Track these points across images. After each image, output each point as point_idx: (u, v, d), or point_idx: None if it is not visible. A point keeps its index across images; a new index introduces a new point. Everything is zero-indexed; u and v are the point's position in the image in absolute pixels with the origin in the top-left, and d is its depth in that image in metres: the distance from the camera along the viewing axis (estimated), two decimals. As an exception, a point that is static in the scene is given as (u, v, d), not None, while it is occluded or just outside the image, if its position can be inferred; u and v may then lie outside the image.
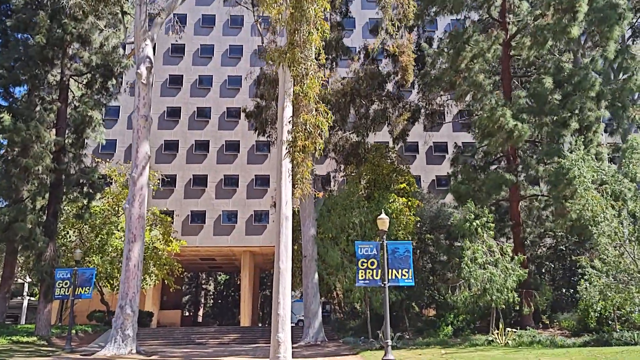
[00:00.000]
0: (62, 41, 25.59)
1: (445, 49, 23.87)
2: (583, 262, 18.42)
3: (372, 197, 26.24)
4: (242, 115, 31.75)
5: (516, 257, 20.52)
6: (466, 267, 19.71)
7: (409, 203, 25.80)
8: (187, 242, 35.80)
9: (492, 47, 21.55)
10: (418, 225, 26.73)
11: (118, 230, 29.06)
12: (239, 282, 50.66)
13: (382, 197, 25.54)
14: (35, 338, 22.92)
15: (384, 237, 15.23)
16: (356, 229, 24.36)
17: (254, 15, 26.94)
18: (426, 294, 27.12)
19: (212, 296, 68.03)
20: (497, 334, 19.41)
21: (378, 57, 29.44)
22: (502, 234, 26.04)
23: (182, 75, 42.27)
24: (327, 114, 10.04)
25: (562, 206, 22.03)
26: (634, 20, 28.68)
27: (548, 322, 24.29)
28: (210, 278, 65.32)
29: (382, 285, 14.95)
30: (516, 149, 24.77)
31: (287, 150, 10.31)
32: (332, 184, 32.31)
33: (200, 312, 63.80)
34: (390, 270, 14.94)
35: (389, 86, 28.10)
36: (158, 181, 34.92)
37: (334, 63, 26.51)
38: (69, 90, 27.20)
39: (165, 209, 35.41)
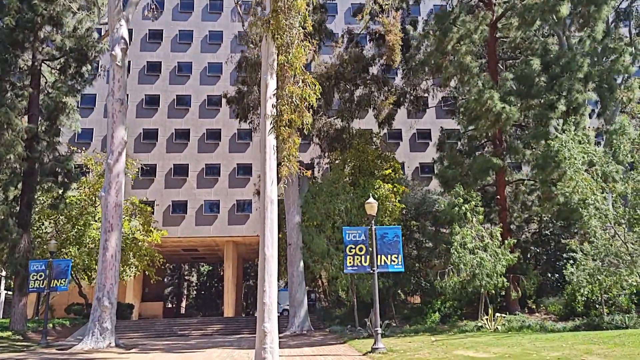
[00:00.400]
0: (33, 23, 24.54)
1: (431, 31, 23.34)
2: (573, 246, 18.22)
3: (357, 183, 25.80)
4: (224, 102, 30.94)
5: (506, 241, 20.23)
6: (455, 253, 19.37)
7: (395, 189, 25.39)
8: (169, 233, 35.03)
9: (479, 27, 21.07)
10: (403, 212, 26.36)
11: (95, 221, 28.15)
12: (222, 272, 50.00)
13: (367, 183, 25.10)
14: (9, 333, 22.16)
15: (373, 222, 14.71)
16: (342, 216, 23.88)
17: (234, -2, 26.07)
18: (412, 281, 26.82)
19: (195, 287, 67.32)
20: (486, 319, 19.12)
21: (361, 42, 28.86)
22: (489, 220, 25.80)
23: (161, 62, 41.16)
24: (315, 86, 9.41)
25: (549, 190, 21.82)
26: (618, 3, 28.48)
27: (534, 307, 24.17)
28: (193, 269, 64.57)
29: (371, 271, 14.46)
30: (502, 133, 24.48)
31: (271, 126, 9.66)
32: (316, 170, 31.74)
33: (183, 304, 63.16)
34: (379, 256, 14.44)
35: (374, 70, 27.54)
36: (137, 170, 33.95)
37: (318, 47, 25.83)
38: (42, 76, 26.22)
39: (145, 199, 34.49)
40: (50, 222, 28.67)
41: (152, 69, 40.94)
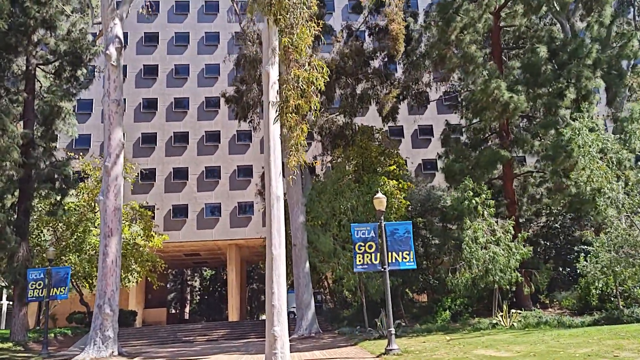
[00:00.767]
0: (26, 27, 24.00)
1: (433, 22, 22.77)
2: (589, 237, 17.64)
3: (361, 180, 25.20)
4: (222, 103, 30.33)
5: (520, 235, 19.63)
6: (467, 248, 18.76)
7: (400, 185, 24.80)
8: (170, 238, 34.43)
9: (483, 16, 20.48)
10: (409, 209, 25.76)
11: (95, 227, 27.51)
12: (225, 276, 49.39)
13: (371, 180, 24.51)
14: (10, 344, 21.56)
15: (382, 217, 14.10)
16: (347, 214, 23.27)
17: (230, -3, 25.49)
18: (420, 279, 26.21)
19: (199, 292, 66.65)
20: (502, 316, 18.49)
21: (361, 37, 28.26)
22: (497, 214, 25.22)
23: (157, 65, 40.62)
24: (323, 69, 8.81)
25: (560, 181, 21.27)
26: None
27: (547, 302, 23.58)
28: (195, 274, 63.91)
29: (382, 269, 13.83)
30: (509, 124, 23.91)
31: (277, 114, 9.03)
32: (318, 168, 31.11)
33: (187, 309, 62.51)
34: (390, 253, 13.82)
35: (375, 63, 26.92)
36: (137, 175, 33.36)
37: (317, 42, 25.24)
38: (36, 80, 25.66)
39: (145, 204, 33.89)
40: (48, 230, 28.04)
41: (148, 73, 40.43)
